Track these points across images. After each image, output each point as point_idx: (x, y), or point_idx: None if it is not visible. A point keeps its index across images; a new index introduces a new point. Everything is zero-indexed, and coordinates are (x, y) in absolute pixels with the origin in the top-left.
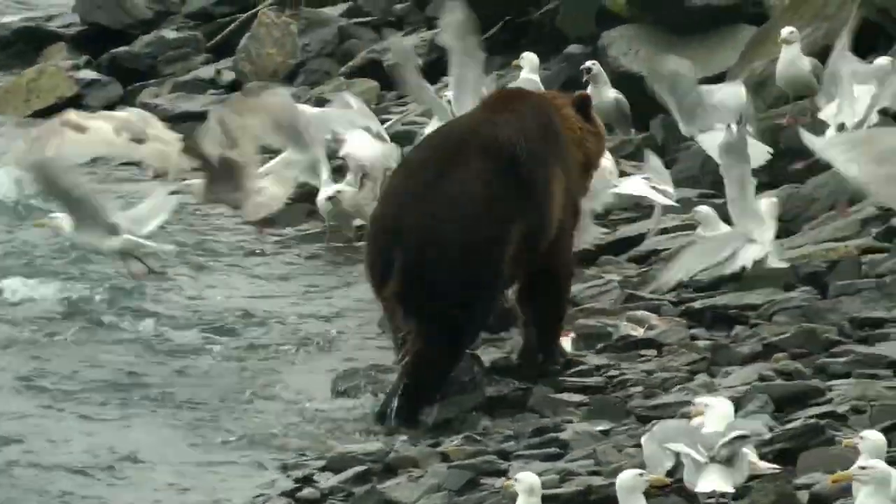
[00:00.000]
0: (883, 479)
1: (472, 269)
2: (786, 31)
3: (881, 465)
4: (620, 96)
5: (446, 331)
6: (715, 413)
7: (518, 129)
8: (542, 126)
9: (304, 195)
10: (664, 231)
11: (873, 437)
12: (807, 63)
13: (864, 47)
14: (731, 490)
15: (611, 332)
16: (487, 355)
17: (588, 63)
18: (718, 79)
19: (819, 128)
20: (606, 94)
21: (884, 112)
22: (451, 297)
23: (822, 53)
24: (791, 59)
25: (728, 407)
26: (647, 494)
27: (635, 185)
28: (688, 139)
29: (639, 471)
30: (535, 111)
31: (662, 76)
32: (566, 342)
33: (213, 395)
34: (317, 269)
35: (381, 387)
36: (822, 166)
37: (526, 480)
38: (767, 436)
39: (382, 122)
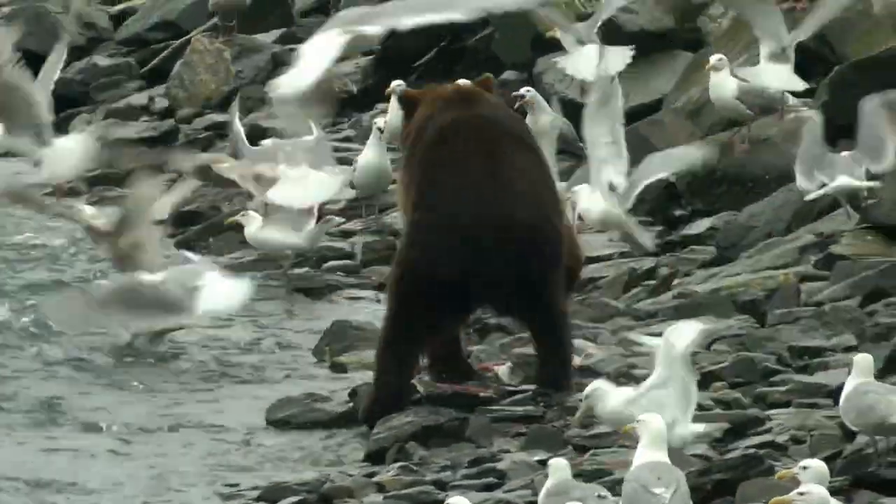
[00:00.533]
0: None
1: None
2: (714, 58)
3: (820, 489)
4: (559, 122)
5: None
6: (648, 428)
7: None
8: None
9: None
10: (598, 259)
11: (815, 465)
12: (733, 89)
13: (804, 73)
14: None
15: None
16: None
17: (522, 90)
18: (655, 105)
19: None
20: (545, 121)
21: None
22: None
23: None
24: (716, 85)
25: (660, 422)
26: None
27: None
28: None
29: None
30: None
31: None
32: (503, 371)
33: (144, 425)
34: (249, 297)
35: (317, 415)
36: (759, 193)
37: None
38: None
39: None
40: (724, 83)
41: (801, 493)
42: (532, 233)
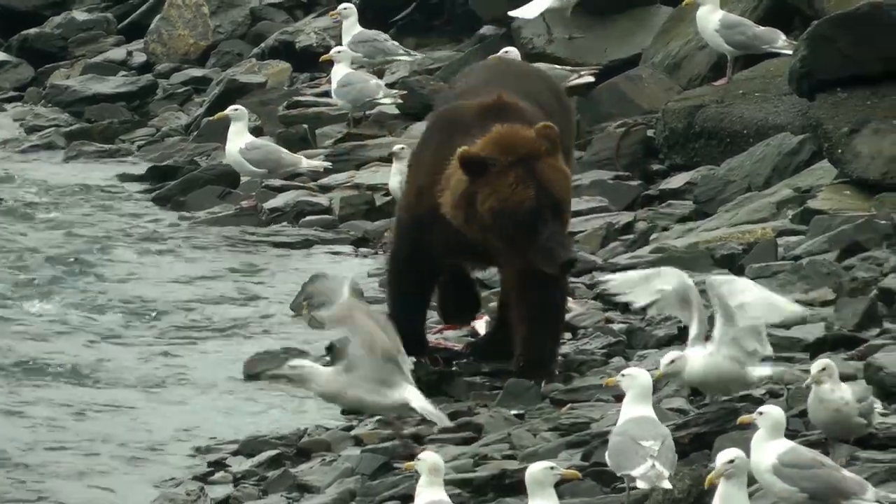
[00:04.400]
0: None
1: None
2: None
3: (775, 408)
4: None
5: None
6: (634, 383)
7: None
8: None
9: (221, 177)
10: (577, 213)
11: (771, 410)
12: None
13: (780, 29)
14: (668, 486)
15: None
16: None
17: (504, 49)
18: (634, 60)
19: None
20: None
21: None
22: None
23: None
24: (700, 18)
25: (647, 376)
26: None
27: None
28: (602, 122)
29: (549, 463)
30: None
31: None
32: (480, 325)
33: (124, 378)
34: (227, 251)
35: None
36: (737, 148)
37: (429, 460)
38: None
39: (296, 104)
40: (706, 15)
41: (760, 413)
42: None
